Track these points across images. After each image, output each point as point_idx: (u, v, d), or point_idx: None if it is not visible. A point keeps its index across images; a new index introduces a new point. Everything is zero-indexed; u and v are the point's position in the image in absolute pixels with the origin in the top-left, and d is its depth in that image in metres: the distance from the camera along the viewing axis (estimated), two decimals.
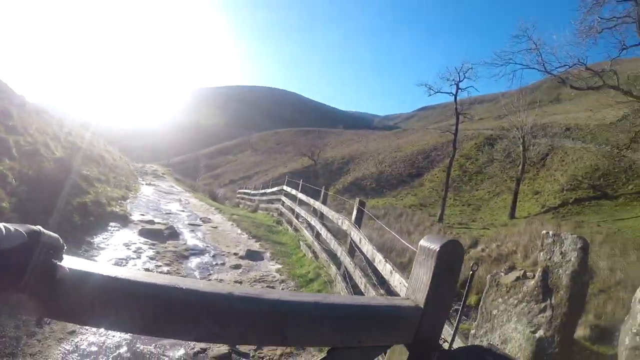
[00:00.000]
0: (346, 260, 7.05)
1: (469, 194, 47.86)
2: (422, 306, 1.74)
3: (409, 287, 1.87)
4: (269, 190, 21.72)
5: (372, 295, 4.88)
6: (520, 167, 38.82)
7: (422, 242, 1.85)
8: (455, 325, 2.14)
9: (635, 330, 2.05)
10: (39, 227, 1.11)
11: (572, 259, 2.55)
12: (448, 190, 40.26)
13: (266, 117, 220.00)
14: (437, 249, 1.74)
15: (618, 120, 36.42)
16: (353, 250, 7.21)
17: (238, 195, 32.56)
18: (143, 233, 9.98)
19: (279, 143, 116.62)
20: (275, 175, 61.06)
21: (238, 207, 26.74)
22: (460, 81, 41.96)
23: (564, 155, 47.24)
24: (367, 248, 5.42)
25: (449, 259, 1.76)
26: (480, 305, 3.02)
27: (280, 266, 9.56)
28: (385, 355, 1.93)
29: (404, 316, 1.74)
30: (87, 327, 4.81)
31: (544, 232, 2.79)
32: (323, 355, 1.68)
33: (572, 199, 38.06)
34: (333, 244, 8.17)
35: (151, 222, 11.59)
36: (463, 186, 50.20)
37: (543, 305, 2.59)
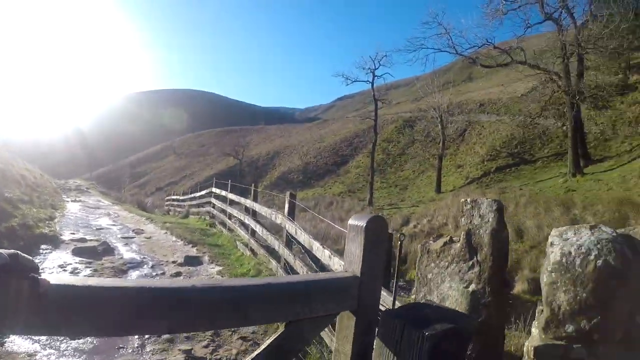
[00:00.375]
0: (285, 252, 7.27)
1: (394, 175, 49.22)
2: (359, 275, 2.01)
3: (345, 262, 2.14)
4: (197, 194, 21.60)
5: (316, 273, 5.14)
6: (440, 144, 40.58)
7: (351, 221, 2.12)
8: (393, 290, 2.44)
9: (550, 269, 2.40)
10: (15, 251, 1.20)
11: (490, 219, 2.92)
12: (374, 174, 41.34)
13: (187, 119, 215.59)
14: (364, 225, 2.01)
15: (528, 92, 38.62)
16: (290, 242, 7.44)
17: (167, 203, 32.07)
18: (77, 252, 9.77)
19: (203, 145, 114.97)
20: (201, 179, 60.46)
21: (168, 214, 26.40)
22: (375, 69, 43.42)
23: (481, 129, 49.51)
24: (304, 238, 5.66)
25: (375, 232, 2.04)
26: (416, 273, 3.37)
27: (220, 268, 9.66)
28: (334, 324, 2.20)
29: (346, 286, 2.01)
30: (38, 355, 4.79)
31: (462, 200, 3.13)
32: (280, 332, 1.91)
33: (493, 168, 40.10)
34: (270, 239, 8.37)
35: (83, 240, 11.36)
36: (388, 168, 51.46)
37: (470, 263, 2.95)
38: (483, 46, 34.45)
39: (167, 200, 33.27)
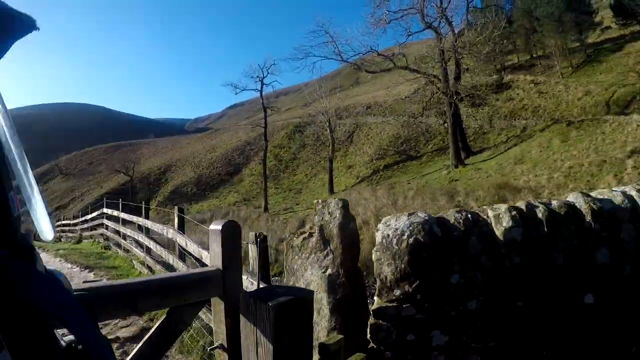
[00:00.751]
0: (179, 265, 7.60)
1: (288, 180, 49.97)
2: (221, 268, 2.56)
3: (211, 259, 2.71)
4: (89, 217, 20.95)
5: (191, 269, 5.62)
6: (330, 147, 41.79)
7: (211, 227, 2.68)
8: (257, 279, 3.01)
9: (376, 249, 3.00)
10: None
11: (337, 215, 3.55)
12: (267, 181, 41.88)
13: (72, 136, 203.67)
14: (220, 229, 2.58)
15: (412, 94, 40.91)
16: (183, 254, 7.80)
17: (57, 229, 30.69)
18: None
19: (91, 163, 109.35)
20: (92, 199, 58.26)
21: (60, 241, 25.36)
22: (264, 77, 44.22)
23: (369, 130, 51.64)
24: (193, 248, 6.09)
25: (229, 234, 2.61)
26: (284, 266, 3.99)
27: None
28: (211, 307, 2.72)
29: (212, 277, 2.58)
30: None
31: (315, 201, 3.76)
32: (163, 317, 2.43)
33: (382, 166, 42.06)
34: (164, 254, 8.62)
35: None
36: (281, 174, 52.11)
37: (325, 252, 3.57)
38: (367, 53, 36.51)
39: (57, 226, 31.88)
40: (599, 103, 40.56)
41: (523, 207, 3.22)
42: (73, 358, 0.87)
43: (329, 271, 3.47)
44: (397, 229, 2.91)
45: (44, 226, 0.95)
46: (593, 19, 63.68)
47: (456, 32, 34.14)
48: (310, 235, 3.72)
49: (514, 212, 3.12)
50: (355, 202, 24.73)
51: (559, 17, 56.77)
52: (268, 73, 44.11)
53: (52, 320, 0.83)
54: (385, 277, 2.92)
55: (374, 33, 39.64)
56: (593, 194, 3.47)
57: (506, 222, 3.05)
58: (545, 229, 3.08)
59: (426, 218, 3.01)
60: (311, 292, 2.40)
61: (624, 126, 28.47)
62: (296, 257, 3.76)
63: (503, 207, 3.20)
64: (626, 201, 3.29)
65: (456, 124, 33.94)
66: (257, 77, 44.44)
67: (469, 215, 3.14)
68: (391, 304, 2.94)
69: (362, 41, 59.11)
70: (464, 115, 39.09)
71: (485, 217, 3.19)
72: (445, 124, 36.21)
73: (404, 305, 2.91)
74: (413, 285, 2.88)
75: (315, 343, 2.63)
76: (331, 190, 38.98)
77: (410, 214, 3.07)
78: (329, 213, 3.57)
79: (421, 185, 28.54)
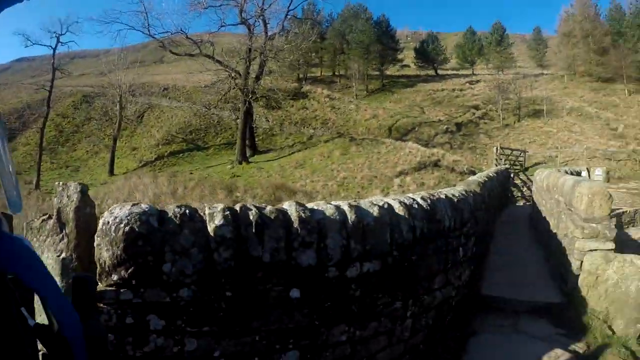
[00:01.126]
0: None
1: (67, 155, 45.73)
2: None
3: None
4: None
5: None
6: (117, 125, 40.00)
7: None
8: None
9: (97, 235, 3.39)
10: None
11: (75, 199, 3.70)
12: (44, 154, 38.94)
13: None
14: None
15: (211, 84, 40.94)
16: None
17: None
18: None
19: None
20: None
21: None
22: (62, 34, 41.26)
23: (160, 113, 50.20)
24: None
25: None
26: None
27: None
28: None
29: None
30: None
31: (56, 183, 3.96)
32: None
33: (167, 153, 41.44)
34: None
35: None
36: (60, 147, 47.15)
37: (61, 235, 3.73)
38: (176, 33, 36.00)
39: None
40: (383, 127, 45.83)
41: (237, 209, 3.75)
42: (43, 338, 0.87)
43: (63, 255, 3.68)
44: (117, 217, 3.29)
45: (13, 197, 0.94)
46: (396, 55, 73.05)
47: (269, 34, 35.23)
48: (50, 217, 3.91)
49: (227, 212, 3.57)
50: (134, 187, 24.37)
51: (367, 46, 64.45)
52: (67, 31, 40.85)
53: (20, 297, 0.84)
54: (105, 262, 3.23)
55: (188, 14, 39.36)
56: (310, 204, 3.95)
57: (218, 220, 3.36)
58: (254, 230, 3.61)
59: (146, 209, 3.35)
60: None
61: (398, 150, 31.82)
62: (34, 239, 3.91)
63: (219, 206, 3.61)
64: (336, 213, 3.75)
65: (247, 121, 35.15)
66: (55, 32, 41.02)
67: (187, 211, 3.55)
68: (110, 288, 3.16)
69: (174, 20, 58.04)
70: (257, 115, 40.61)
71: (202, 214, 3.65)
72: (238, 120, 37.02)
73: (121, 290, 3.14)
74: (129, 271, 3.17)
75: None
76: (111, 172, 37.10)
77: (134, 204, 3.39)
78: (67, 196, 3.76)
79: (203, 177, 28.86)
